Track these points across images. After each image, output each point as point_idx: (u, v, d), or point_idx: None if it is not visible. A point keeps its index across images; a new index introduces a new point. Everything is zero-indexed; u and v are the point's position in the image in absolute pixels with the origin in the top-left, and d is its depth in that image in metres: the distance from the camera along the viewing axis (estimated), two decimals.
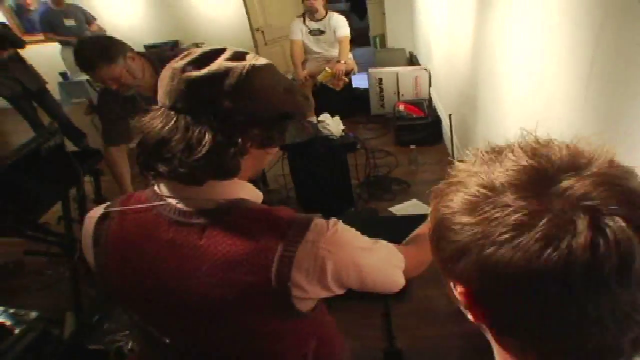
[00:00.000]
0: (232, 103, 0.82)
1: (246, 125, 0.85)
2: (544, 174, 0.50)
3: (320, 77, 4.92)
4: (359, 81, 5.87)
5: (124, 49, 2.17)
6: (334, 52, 5.01)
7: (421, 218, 1.25)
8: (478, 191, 0.52)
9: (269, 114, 0.87)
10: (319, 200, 3.64)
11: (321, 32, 4.97)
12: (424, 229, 1.24)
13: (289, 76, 5.31)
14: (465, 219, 0.52)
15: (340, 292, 0.92)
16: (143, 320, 1.03)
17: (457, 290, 0.58)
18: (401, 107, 4.89)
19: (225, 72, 0.82)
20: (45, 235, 2.76)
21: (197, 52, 0.87)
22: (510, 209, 0.48)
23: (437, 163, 4.43)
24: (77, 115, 6.29)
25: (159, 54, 2.44)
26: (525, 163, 0.51)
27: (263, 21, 6.45)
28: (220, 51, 0.87)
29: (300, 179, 3.67)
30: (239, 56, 0.87)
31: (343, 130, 3.47)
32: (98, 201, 3.83)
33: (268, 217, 0.88)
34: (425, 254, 1.15)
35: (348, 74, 5.03)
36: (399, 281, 1.03)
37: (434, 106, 5.18)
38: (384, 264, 1.00)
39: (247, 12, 6.29)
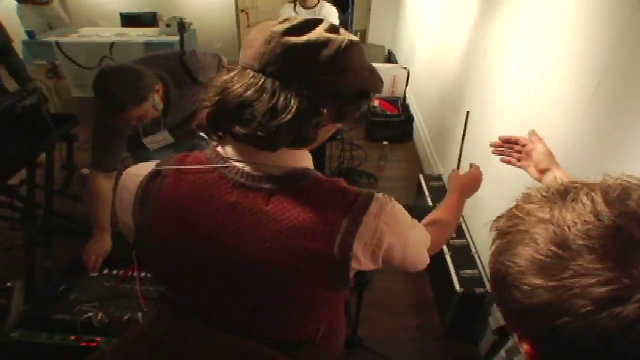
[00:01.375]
0: (325, 74, 0.82)
1: (331, 98, 0.85)
2: (628, 239, 0.44)
3: None
4: None
5: (152, 83, 1.92)
6: None
7: None
8: (550, 250, 0.47)
9: (353, 90, 0.88)
10: None
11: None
12: (439, 214, 1.30)
13: None
14: (536, 280, 0.48)
15: (380, 265, 0.95)
16: (177, 288, 1.01)
17: (523, 347, 0.55)
18: (376, 103, 4.96)
19: (324, 42, 0.81)
20: (10, 199, 2.63)
21: (296, 19, 0.86)
22: (592, 279, 0.44)
23: (406, 160, 4.53)
24: (39, 78, 6.13)
25: (168, 65, 2.15)
26: (609, 222, 0.46)
27: (251, 2, 6.36)
28: (319, 21, 0.87)
29: None
30: (335, 29, 0.87)
31: None
32: (67, 168, 3.71)
33: (335, 188, 0.89)
34: (442, 236, 1.22)
35: None
36: (427, 259, 1.08)
37: (408, 105, 5.27)
38: (420, 241, 1.05)
39: None
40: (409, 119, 4.95)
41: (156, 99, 1.95)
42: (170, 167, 0.93)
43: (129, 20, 6.68)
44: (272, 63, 0.81)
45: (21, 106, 2.44)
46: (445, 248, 2.63)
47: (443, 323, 2.64)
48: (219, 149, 0.93)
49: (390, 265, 0.98)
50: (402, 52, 6.05)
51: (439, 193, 3.17)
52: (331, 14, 4.82)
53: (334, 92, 0.84)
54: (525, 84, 2.20)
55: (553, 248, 0.47)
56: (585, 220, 0.47)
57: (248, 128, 0.81)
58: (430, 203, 3.08)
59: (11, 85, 5.22)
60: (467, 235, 2.76)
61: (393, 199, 0.94)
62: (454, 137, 3.46)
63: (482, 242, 2.65)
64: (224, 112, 0.84)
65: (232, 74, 0.85)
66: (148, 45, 5.67)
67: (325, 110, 0.83)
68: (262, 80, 0.81)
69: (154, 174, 0.93)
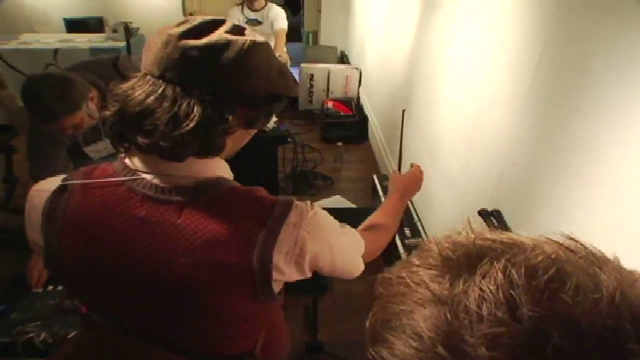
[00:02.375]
0: (227, 78, 0.78)
1: (237, 103, 0.81)
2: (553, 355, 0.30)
3: None
4: None
5: (85, 90, 1.80)
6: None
7: (345, 212, 1.28)
8: (436, 353, 0.33)
9: (262, 93, 0.85)
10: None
11: (258, 23, 4.88)
12: (377, 218, 1.26)
13: None
14: None
15: (309, 275, 0.91)
16: (95, 304, 0.96)
17: None
18: (330, 104, 4.95)
19: (225, 45, 0.78)
20: None
21: (195, 19, 0.82)
22: None
23: (362, 161, 4.53)
24: None
25: (101, 71, 2.04)
26: (528, 326, 0.31)
27: (198, 5, 6.27)
28: (220, 22, 0.83)
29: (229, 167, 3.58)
30: (239, 30, 0.83)
31: (275, 122, 3.43)
32: (8, 180, 3.53)
33: (250, 198, 0.85)
34: (379, 241, 1.18)
35: None
36: (361, 266, 1.04)
37: (362, 105, 5.28)
38: (352, 247, 1.01)
39: None
40: (363, 119, 4.96)
41: (91, 107, 1.83)
42: (76, 181, 0.87)
43: (74, 26, 6.44)
44: (171, 68, 0.76)
45: None
46: (400, 248, 2.62)
47: None
48: (127, 160, 0.87)
49: (320, 274, 0.95)
50: (354, 53, 6.07)
51: None
52: (279, 15, 4.79)
53: (240, 97, 0.81)
54: (466, 81, 2.22)
55: (441, 351, 0.33)
56: (493, 316, 0.32)
57: (151, 138, 0.77)
58: None
59: None
60: (423, 234, 2.75)
61: (316, 205, 0.91)
62: (404, 136, 3.48)
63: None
64: (125, 122, 0.79)
65: (132, 81, 0.80)
66: (94, 51, 5.49)
67: (230, 117, 0.80)
68: (163, 87, 0.77)
69: (60, 190, 0.88)
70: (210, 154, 0.83)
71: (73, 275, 0.91)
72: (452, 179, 2.41)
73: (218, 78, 0.78)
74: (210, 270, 0.80)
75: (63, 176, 0.90)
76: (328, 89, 5.31)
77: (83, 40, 5.81)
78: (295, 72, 5.48)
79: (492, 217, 1.77)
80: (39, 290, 1.76)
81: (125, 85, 0.80)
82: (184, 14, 6.20)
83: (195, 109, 0.76)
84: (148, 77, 0.79)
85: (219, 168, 0.89)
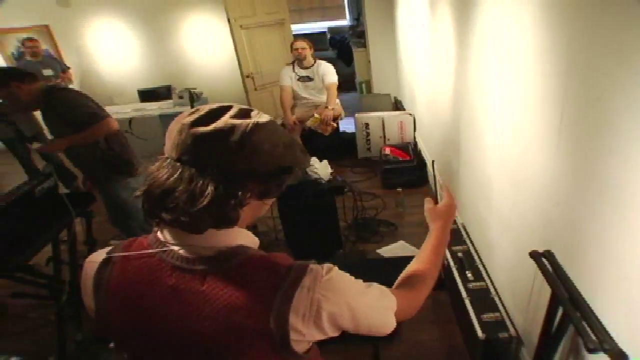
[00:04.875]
0: (235, 158, 0.87)
1: (247, 179, 0.90)
2: None
3: (309, 123, 5.09)
4: (346, 125, 6.02)
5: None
6: (322, 98, 5.19)
7: (409, 260, 1.30)
8: None
9: (269, 168, 0.92)
10: (308, 243, 3.69)
11: (310, 79, 5.15)
12: (413, 269, 1.27)
13: (278, 121, 5.45)
14: None
15: (335, 334, 0.96)
16: None
17: None
18: (387, 151, 5.02)
19: (230, 129, 0.88)
20: (34, 277, 2.74)
21: (205, 108, 0.93)
22: None
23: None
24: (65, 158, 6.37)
25: None
26: None
27: (253, 68, 6.65)
28: (227, 108, 0.93)
29: (289, 222, 3.72)
30: (244, 113, 0.93)
31: (331, 174, 3.56)
32: (89, 243, 3.83)
33: (267, 264, 0.93)
34: (416, 295, 1.19)
35: (336, 119, 5.22)
36: (391, 323, 1.07)
37: (419, 150, 5.32)
38: (376, 306, 1.04)
39: (238, 59, 6.49)
40: (422, 163, 4.98)
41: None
42: (118, 254, 0.99)
43: (146, 95, 7.07)
44: (186, 152, 0.87)
45: (39, 190, 2.65)
46: (463, 292, 2.59)
47: None
48: (159, 234, 0.98)
49: (348, 331, 0.99)
50: (406, 98, 6.17)
51: (453, 237, 3.14)
52: (328, 71, 5.04)
53: (248, 173, 0.89)
54: (504, 125, 2.23)
55: None
56: None
57: (173, 214, 0.87)
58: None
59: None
60: (486, 277, 2.71)
61: (335, 268, 0.96)
62: (458, 179, 3.47)
63: (502, 283, 2.60)
64: (151, 201, 0.89)
65: (157, 164, 0.91)
66: (163, 117, 5.99)
67: (240, 193, 0.88)
68: (180, 169, 0.87)
69: (105, 262, 1.00)
70: (226, 225, 0.91)
71: (118, 336, 1.01)
72: (505, 221, 2.39)
73: (227, 159, 0.87)
74: (231, 333, 0.87)
75: (109, 248, 1.03)
76: (384, 135, 5.40)
77: (153, 108, 6.30)
78: (351, 121, 5.64)
79: (544, 258, 1.76)
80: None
81: (153, 167, 0.91)
82: (242, 76, 6.56)
83: (209, 187, 0.85)
84: (169, 160, 0.90)
85: (240, 237, 0.97)
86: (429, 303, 3.10)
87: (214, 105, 0.94)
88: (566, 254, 1.69)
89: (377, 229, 4.11)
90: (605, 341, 1.39)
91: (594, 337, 1.43)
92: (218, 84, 7.46)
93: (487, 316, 2.40)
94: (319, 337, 0.94)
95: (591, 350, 1.41)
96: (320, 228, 3.66)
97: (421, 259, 1.30)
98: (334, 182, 3.53)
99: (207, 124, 0.88)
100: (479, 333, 2.30)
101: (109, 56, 7.55)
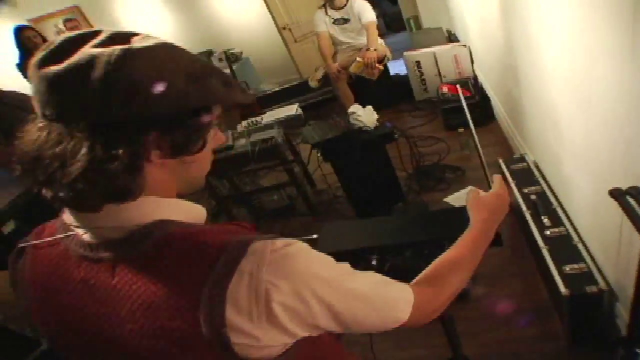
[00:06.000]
0: (104, 102, 0.61)
1: (135, 130, 0.64)
2: None
3: (352, 69, 4.66)
4: (399, 68, 5.57)
5: None
6: (363, 40, 4.73)
7: None
8: None
9: (166, 111, 0.65)
10: (367, 198, 3.42)
11: (345, 21, 4.72)
12: (442, 258, 1.00)
13: (321, 71, 5.12)
14: None
15: (318, 332, 0.72)
16: None
17: None
18: (445, 89, 4.56)
19: (89, 63, 0.61)
20: None
21: (59, 39, 0.66)
22: None
23: (493, 145, 4.06)
24: None
25: None
26: None
27: (289, 19, 6.32)
28: (91, 35, 0.66)
29: (345, 177, 3.45)
30: (117, 38, 0.66)
31: (378, 120, 3.19)
32: None
33: (192, 245, 0.67)
34: (441, 290, 0.94)
35: (382, 61, 4.72)
36: (398, 315, 0.81)
37: (480, 84, 4.79)
38: (372, 295, 0.78)
39: (271, 13, 6.18)
40: (485, 98, 4.49)
41: None
42: (29, 242, 0.80)
43: None
44: (46, 104, 0.62)
45: None
46: (540, 241, 2.22)
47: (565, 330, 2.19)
48: (65, 215, 0.76)
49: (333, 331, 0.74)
50: (459, 29, 5.55)
51: (524, 177, 2.75)
52: (364, 8, 4.58)
53: (134, 122, 0.63)
54: (563, 31, 1.80)
55: None
56: None
57: (51, 189, 0.65)
58: (516, 191, 2.65)
59: None
60: (566, 222, 2.30)
61: (297, 243, 0.70)
62: (523, 110, 3.02)
63: (586, 228, 2.20)
64: (27, 174, 0.67)
65: (26, 125, 0.68)
66: None
67: (130, 150, 0.63)
68: (48, 128, 0.64)
69: (17, 253, 0.81)
70: (120, 198, 0.67)
71: (49, 337, 0.82)
72: (578, 153, 1.99)
73: (93, 105, 0.61)
74: (160, 338, 0.65)
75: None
76: (439, 73, 4.94)
77: None
78: (402, 64, 5.21)
79: (630, 196, 1.38)
80: None
81: (20, 132, 0.68)
82: (278, 29, 6.27)
83: (82, 148, 0.61)
84: (36, 118, 0.67)
85: (162, 209, 0.72)
86: (508, 253, 2.76)
87: (73, 33, 0.67)
88: None
89: (442, 175, 3.78)
90: None
91: None
92: (255, 41, 7.09)
93: (571, 267, 2.03)
94: (290, 339, 0.69)
95: None
96: (376, 181, 3.36)
97: (454, 248, 1.02)
98: (382, 129, 3.16)
99: (61, 60, 0.62)
100: (562, 288, 1.94)
101: (145, 28, 7.38)
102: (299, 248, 0.69)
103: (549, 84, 2.19)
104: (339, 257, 0.76)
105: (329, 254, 0.75)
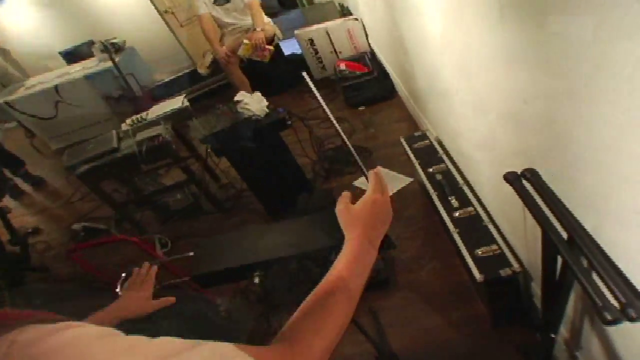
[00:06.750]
0: None
1: None
2: None
3: (240, 52, 4.28)
4: (294, 47, 5.30)
5: None
6: (249, 20, 4.39)
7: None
8: None
9: None
10: (273, 191, 3.19)
11: (226, 1, 4.35)
12: (306, 304, 0.74)
13: (209, 56, 4.72)
14: None
15: None
16: None
17: None
18: (342, 66, 4.34)
19: None
20: None
21: None
22: None
23: (397, 121, 3.91)
24: (13, 141, 5.99)
25: None
26: None
27: (169, 2, 5.78)
28: None
29: (243, 171, 3.18)
30: None
31: (268, 107, 2.90)
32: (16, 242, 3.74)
33: None
34: (307, 349, 0.68)
35: (271, 41, 4.42)
36: None
37: (379, 59, 4.62)
38: None
39: None
40: (384, 73, 4.33)
41: None
42: None
43: (70, 56, 6.26)
44: None
45: None
46: (450, 224, 2.06)
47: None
48: None
49: None
50: (350, 2, 5.37)
51: (427, 155, 2.57)
52: None
53: None
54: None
55: None
56: None
57: None
58: (420, 172, 2.48)
59: None
60: (474, 201, 2.15)
61: (73, 327, 0.49)
62: (417, 83, 2.87)
63: (493, 207, 2.07)
64: None
65: None
66: (90, 78, 5.29)
67: None
68: None
69: None
70: None
71: None
72: (472, 127, 1.84)
73: None
74: None
75: None
76: (335, 49, 4.72)
77: (77, 70, 5.55)
78: (293, 42, 4.95)
79: (525, 179, 1.22)
80: None
81: None
82: (160, 13, 5.76)
83: None
84: None
85: None
86: (422, 235, 2.65)
87: None
88: (552, 172, 1.17)
89: (349, 158, 3.53)
90: (633, 304, 0.87)
91: (612, 301, 0.92)
92: (139, 28, 6.50)
93: (483, 251, 1.88)
94: None
95: (609, 322, 0.90)
96: (277, 172, 3.12)
97: (325, 283, 0.77)
98: (273, 116, 2.89)
99: None
100: (477, 274, 1.79)
101: (22, 24, 6.70)
102: (78, 332, 0.48)
103: (433, 54, 2.04)
104: (216, 277, 0.52)
105: (204, 274, 0.51)
